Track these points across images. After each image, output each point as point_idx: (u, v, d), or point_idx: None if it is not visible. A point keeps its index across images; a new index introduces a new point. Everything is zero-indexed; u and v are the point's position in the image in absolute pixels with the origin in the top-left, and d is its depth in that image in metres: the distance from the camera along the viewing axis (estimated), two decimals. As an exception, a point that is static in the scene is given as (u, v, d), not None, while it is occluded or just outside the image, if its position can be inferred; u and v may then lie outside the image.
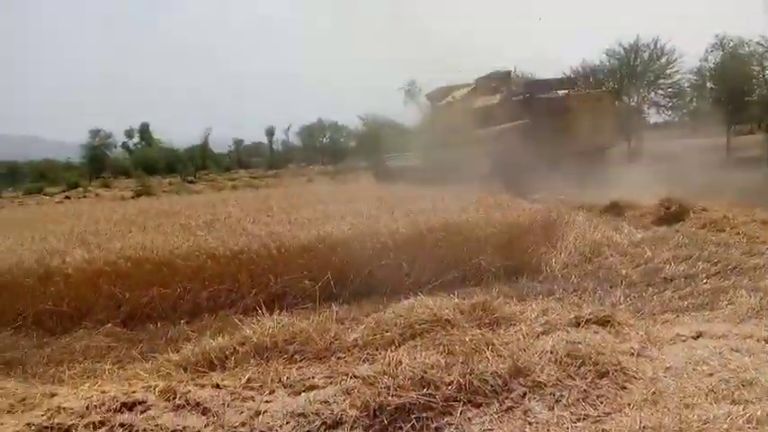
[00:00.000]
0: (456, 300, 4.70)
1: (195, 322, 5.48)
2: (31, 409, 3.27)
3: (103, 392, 3.44)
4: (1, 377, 4.21)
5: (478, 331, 4.03)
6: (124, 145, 65.89)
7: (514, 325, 4.30)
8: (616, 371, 3.51)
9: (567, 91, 23.40)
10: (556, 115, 19.21)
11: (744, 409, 2.95)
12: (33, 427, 3.04)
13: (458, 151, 20.16)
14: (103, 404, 3.28)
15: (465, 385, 3.30)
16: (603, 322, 4.27)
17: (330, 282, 5.96)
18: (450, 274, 6.32)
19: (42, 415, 3.15)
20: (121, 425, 3.15)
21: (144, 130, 67.01)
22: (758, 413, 2.90)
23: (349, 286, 6.05)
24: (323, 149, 66.94)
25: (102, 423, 3.16)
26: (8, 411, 3.26)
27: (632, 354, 3.78)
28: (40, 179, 46.14)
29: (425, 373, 3.35)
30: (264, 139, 72.68)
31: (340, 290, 6.01)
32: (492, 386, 3.33)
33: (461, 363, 3.50)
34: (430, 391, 3.23)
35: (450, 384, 3.29)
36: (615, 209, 10.77)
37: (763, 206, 9.42)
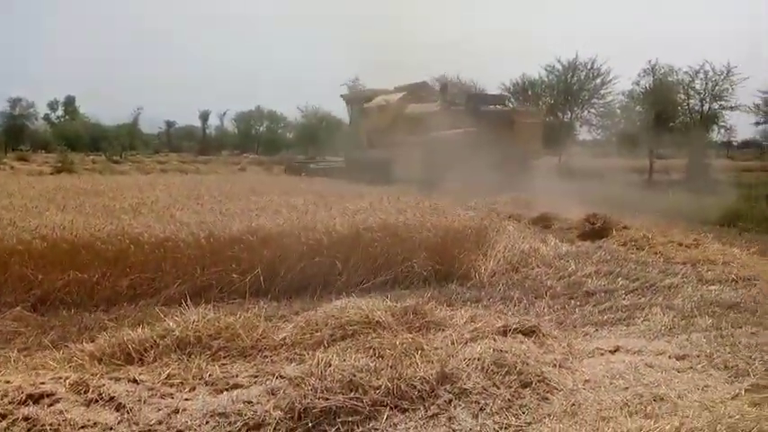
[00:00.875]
0: (388, 302, 4.70)
1: (113, 311, 5.21)
2: None
3: (7, 382, 3.21)
4: None
5: (409, 335, 4.04)
6: (46, 117, 62.27)
7: (443, 330, 4.35)
8: (539, 381, 3.60)
9: (510, 105, 25.23)
10: (499, 127, 20.18)
11: (655, 423, 3.09)
12: None
13: (387, 153, 20.74)
14: (6, 395, 3.06)
15: (393, 390, 3.29)
16: (529, 332, 4.36)
17: (260, 277, 5.80)
18: (382, 276, 6.31)
19: (-66, 406, 2.89)
20: (25, 418, 2.95)
21: (69, 103, 63.55)
22: (667, 427, 3.04)
23: (279, 282, 5.91)
24: (258, 138, 65.57)
25: (2, 416, 2.95)
26: None
27: (555, 365, 3.89)
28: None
29: (354, 376, 3.31)
30: (198, 123, 70.47)
31: (270, 285, 5.86)
32: (419, 392, 3.34)
33: (390, 367, 3.48)
34: (357, 395, 3.20)
35: (378, 389, 3.27)
36: (543, 221, 11.12)
37: (679, 228, 10.02)
